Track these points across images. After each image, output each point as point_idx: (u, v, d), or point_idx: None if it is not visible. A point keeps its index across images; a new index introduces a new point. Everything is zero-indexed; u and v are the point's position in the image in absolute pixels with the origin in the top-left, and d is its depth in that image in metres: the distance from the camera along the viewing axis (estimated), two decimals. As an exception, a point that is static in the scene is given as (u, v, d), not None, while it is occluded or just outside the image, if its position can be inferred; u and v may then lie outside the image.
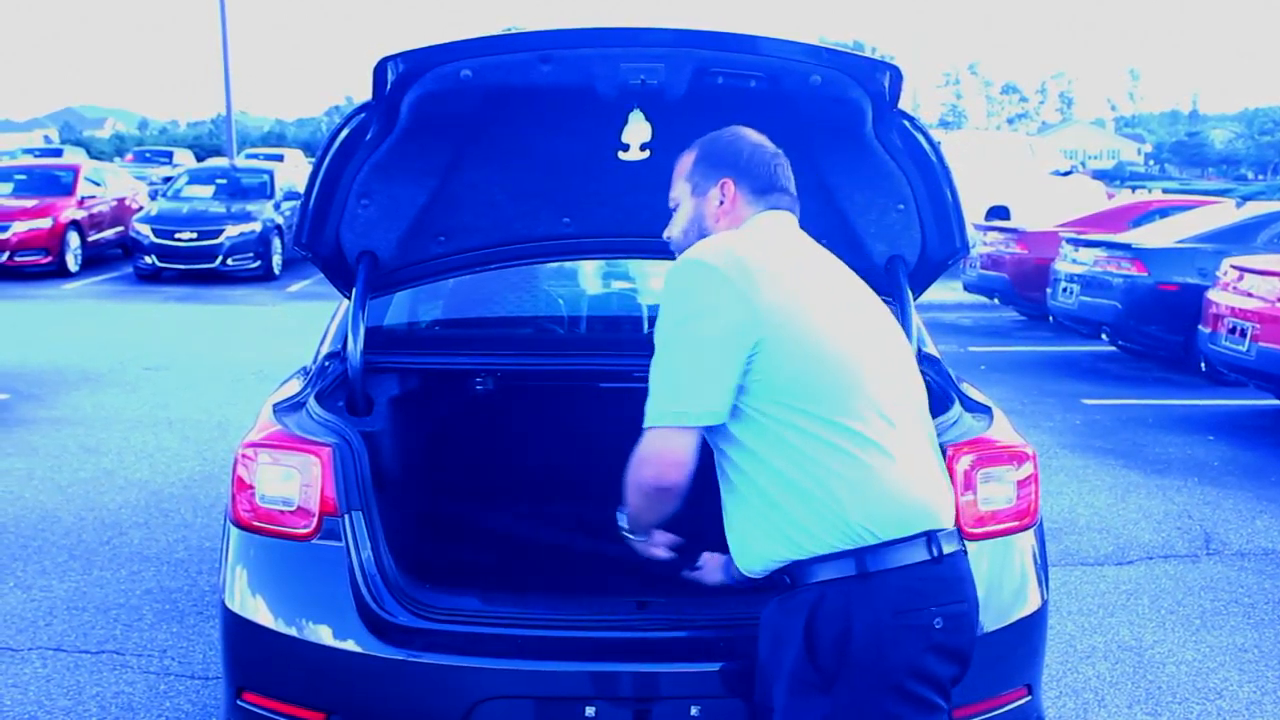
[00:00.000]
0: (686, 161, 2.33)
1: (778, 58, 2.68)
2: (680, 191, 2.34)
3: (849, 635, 1.99)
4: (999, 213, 17.39)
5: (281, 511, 2.71)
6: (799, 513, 2.03)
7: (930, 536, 2.06)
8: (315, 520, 2.68)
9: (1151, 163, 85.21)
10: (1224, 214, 10.89)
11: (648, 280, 4.86)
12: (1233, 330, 7.94)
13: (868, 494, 2.02)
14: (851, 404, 2.04)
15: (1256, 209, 10.84)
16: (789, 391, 2.03)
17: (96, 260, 17.70)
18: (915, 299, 3.27)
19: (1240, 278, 8.14)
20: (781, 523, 2.05)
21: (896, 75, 2.69)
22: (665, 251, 2.41)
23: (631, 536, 2.36)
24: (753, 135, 2.33)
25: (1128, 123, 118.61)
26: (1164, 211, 12.56)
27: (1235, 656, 4.38)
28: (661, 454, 2.06)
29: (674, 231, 2.36)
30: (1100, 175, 41.24)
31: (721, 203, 2.27)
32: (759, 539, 2.10)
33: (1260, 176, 67.10)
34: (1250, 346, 7.72)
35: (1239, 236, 9.96)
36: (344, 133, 2.89)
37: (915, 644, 2.00)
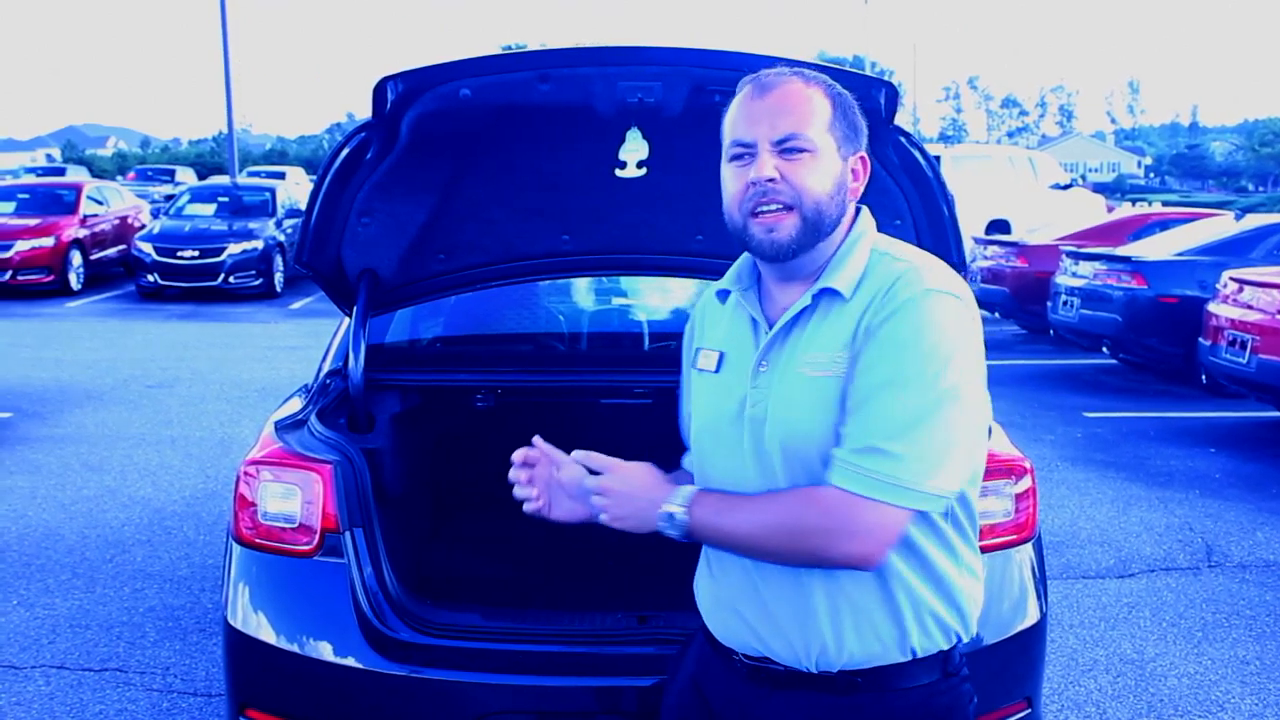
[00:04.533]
0: (818, 100, 1.74)
1: None
2: (817, 136, 1.72)
3: None
4: (999, 226, 17.40)
5: (283, 528, 2.73)
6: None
7: None
8: (317, 537, 2.70)
9: (1152, 175, 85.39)
10: (1223, 226, 10.90)
11: (646, 296, 4.87)
12: (1233, 342, 7.95)
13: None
14: None
15: (1256, 221, 10.85)
16: None
17: (99, 278, 17.75)
18: None
19: (1240, 290, 8.17)
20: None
21: (892, 92, 2.70)
22: (662, 267, 2.38)
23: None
24: None
25: (1128, 135, 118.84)
26: (1164, 224, 12.56)
27: (1237, 669, 4.38)
28: (883, 530, 1.67)
29: (812, 184, 1.72)
30: (1100, 188, 41.22)
31: (854, 183, 1.80)
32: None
33: (1260, 188, 67.23)
34: (1250, 359, 7.73)
35: (1238, 249, 9.98)
36: (345, 152, 2.91)
37: None
